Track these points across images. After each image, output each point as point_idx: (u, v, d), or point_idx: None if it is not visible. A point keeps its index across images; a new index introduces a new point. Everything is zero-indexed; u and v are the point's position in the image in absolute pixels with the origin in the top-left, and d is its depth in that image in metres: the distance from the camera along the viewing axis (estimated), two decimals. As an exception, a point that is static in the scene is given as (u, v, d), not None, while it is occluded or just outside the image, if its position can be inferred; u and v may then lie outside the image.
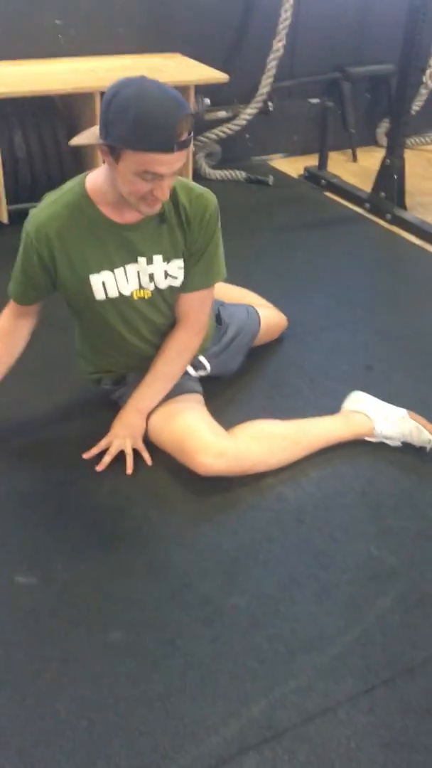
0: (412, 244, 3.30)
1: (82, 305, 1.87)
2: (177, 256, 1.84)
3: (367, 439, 2.07)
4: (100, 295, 1.83)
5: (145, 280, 1.84)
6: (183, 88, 3.28)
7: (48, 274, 1.81)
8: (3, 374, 1.94)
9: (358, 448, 2.06)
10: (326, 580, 1.68)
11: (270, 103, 3.92)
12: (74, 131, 3.25)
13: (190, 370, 2.08)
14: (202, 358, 2.12)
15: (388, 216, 3.48)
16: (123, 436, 1.97)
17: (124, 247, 1.79)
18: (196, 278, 1.89)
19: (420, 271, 3.10)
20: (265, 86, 3.81)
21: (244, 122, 3.86)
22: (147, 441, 1.99)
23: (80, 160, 3.28)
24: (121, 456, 1.96)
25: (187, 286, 1.89)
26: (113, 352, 1.98)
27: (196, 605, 1.61)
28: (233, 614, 1.59)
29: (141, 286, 1.85)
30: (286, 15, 3.64)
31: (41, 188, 3.22)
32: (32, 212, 1.78)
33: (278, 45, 3.73)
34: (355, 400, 2.12)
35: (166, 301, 1.90)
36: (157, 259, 1.82)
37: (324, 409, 2.19)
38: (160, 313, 1.92)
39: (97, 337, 1.96)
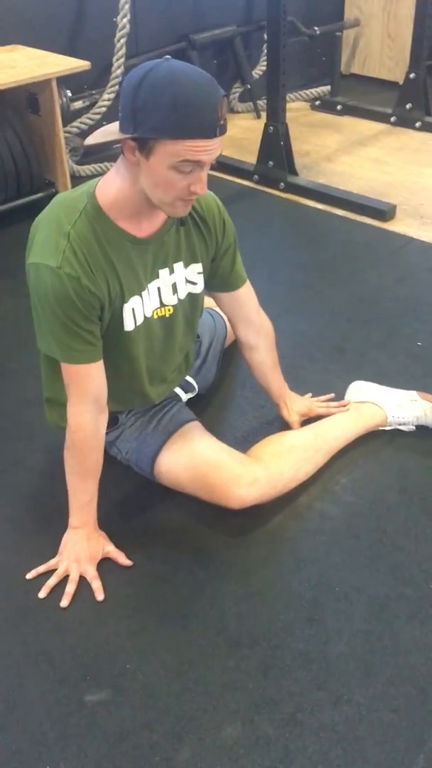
0: (316, 209, 3.20)
1: (106, 343, 1.55)
2: (195, 260, 1.62)
3: (380, 428, 1.95)
4: (129, 325, 1.55)
5: (167, 294, 1.61)
6: (44, 83, 2.96)
7: (95, 312, 1.47)
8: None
9: (374, 440, 1.94)
10: (414, 597, 1.55)
11: (126, 85, 3.65)
12: None
13: (181, 393, 1.88)
14: (189, 378, 1.91)
15: (282, 185, 3.35)
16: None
17: (148, 263, 1.54)
18: (239, 270, 1.74)
19: (339, 237, 3.00)
20: (118, 67, 3.54)
21: (104, 109, 3.57)
22: (156, 485, 1.76)
23: None
24: (135, 512, 1.72)
25: (235, 281, 1.75)
26: (120, 391, 1.66)
27: (298, 667, 1.42)
28: (342, 665, 1.43)
29: (162, 303, 1.61)
30: (126, -12, 3.37)
31: None
32: (40, 257, 1.41)
33: (123, 21, 3.47)
34: (358, 390, 1.99)
35: (185, 314, 1.68)
36: (178, 266, 1.60)
37: (318, 405, 2.05)
38: (174, 337, 1.69)
39: (110, 376, 1.60)
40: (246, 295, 1.79)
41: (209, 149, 1.31)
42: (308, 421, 1.94)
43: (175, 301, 1.63)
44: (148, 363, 1.67)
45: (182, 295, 1.65)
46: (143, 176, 1.37)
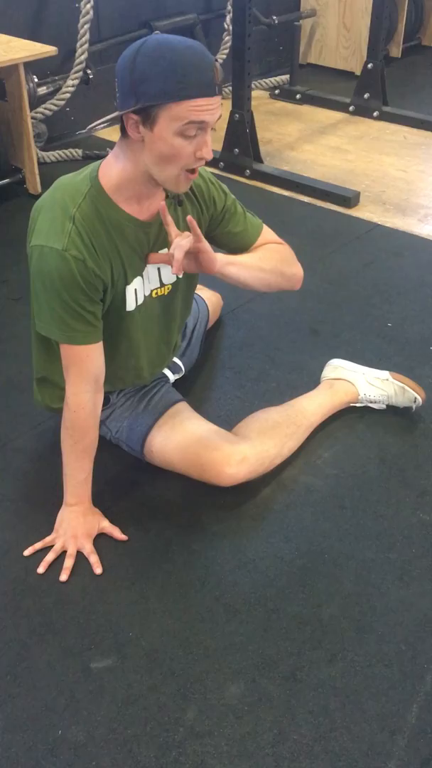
0: (282, 196, 3.27)
1: (107, 323, 1.58)
2: None
3: (352, 405, 2.03)
4: (131, 305, 1.60)
5: (166, 273, 1.65)
6: (11, 68, 2.95)
7: (99, 293, 1.51)
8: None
9: (348, 416, 2.02)
10: (399, 561, 1.64)
11: (89, 71, 3.66)
12: None
13: (169, 374, 1.93)
14: (177, 360, 1.97)
15: (247, 172, 3.40)
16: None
17: (150, 244, 1.58)
18: (251, 222, 1.75)
19: (306, 223, 3.07)
20: (82, 53, 3.54)
21: (68, 95, 3.56)
22: (145, 464, 1.81)
23: None
24: (127, 490, 1.76)
25: (249, 235, 1.74)
26: (116, 370, 1.70)
27: (294, 629, 1.49)
28: (335, 626, 1.50)
29: (162, 283, 1.66)
30: (90, -27, 3.38)
31: None
32: (44, 239, 1.44)
33: (87, 7, 3.47)
34: (335, 367, 2.07)
35: (183, 292, 1.73)
36: None
37: (296, 385, 2.12)
38: (171, 314, 1.74)
39: (107, 355, 1.63)
40: (264, 237, 1.78)
41: (211, 108, 1.36)
42: (285, 394, 2.01)
43: (173, 279, 1.68)
44: (145, 341, 1.71)
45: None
46: (147, 152, 1.40)
